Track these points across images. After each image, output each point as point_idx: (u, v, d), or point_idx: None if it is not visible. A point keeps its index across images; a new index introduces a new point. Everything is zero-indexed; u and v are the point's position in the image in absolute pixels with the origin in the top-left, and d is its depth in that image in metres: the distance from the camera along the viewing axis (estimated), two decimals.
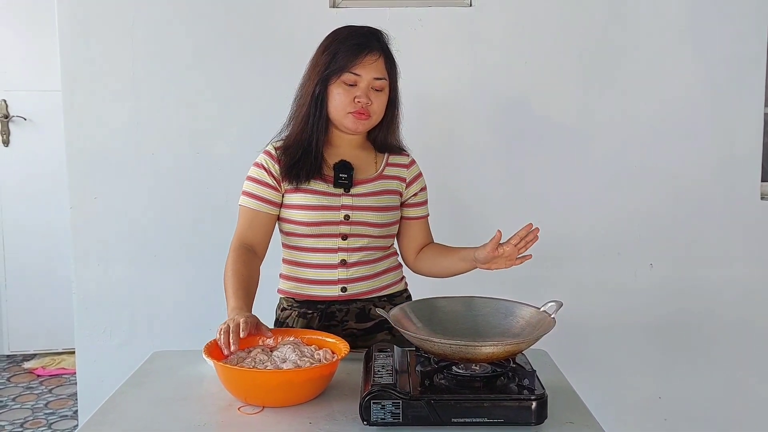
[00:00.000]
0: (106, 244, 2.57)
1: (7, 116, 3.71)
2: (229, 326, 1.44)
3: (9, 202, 3.76)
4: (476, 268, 1.69)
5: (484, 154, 2.59)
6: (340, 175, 1.70)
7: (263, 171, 1.72)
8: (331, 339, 1.52)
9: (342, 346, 1.47)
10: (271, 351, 1.46)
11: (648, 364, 2.69)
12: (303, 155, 1.69)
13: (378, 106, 1.69)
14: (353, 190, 1.71)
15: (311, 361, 1.41)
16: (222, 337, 1.43)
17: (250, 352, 1.46)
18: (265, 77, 2.50)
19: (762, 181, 2.62)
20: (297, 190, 1.70)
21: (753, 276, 2.65)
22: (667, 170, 2.60)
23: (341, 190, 1.70)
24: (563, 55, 2.55)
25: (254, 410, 1.34)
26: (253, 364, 1.40)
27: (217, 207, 2.52)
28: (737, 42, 2.55)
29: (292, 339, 1.52)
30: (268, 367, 1.38)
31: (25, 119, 3.74)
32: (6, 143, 3.73)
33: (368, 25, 1.73)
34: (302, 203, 1.70)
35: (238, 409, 1.35)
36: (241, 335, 1.43)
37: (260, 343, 1.51)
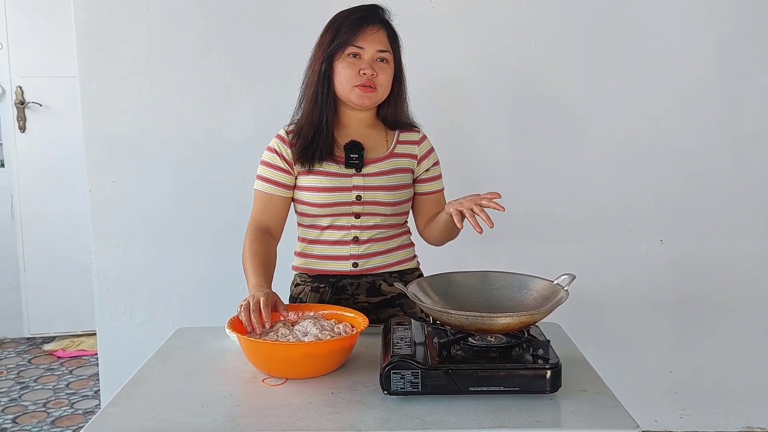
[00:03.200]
0: (125, 226, 2.61)
1: (23, 102, 3.74)
2: (249, 303, 1.48)
3: (26, 187, 3.80)
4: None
5: (495, 133, 2.62)
6: (351, 155, 1.72)
7: (275, 155, 1.75)
8: (350, 313, 1.56)
9: (361, 320, 1.51)
10: (293, 325, 1.51)
11: (658, 338, 2.73)
12: (315, 136, 1.72)
13: (384, 78, 1.71)
14: (364, 170, 1.74)
15: (331, 334, 1.46)
16: (243, 312, 1.47)
17: (273, 326, 1.50)
18: (279, 59, 2.52)
19: None
20: (309, 172, 1.73)
21: (762, 251, 2.67)
22: (677, 146, 2.62)
23: (353, 171, 1.73)
24: (573, 33, 2.57)
25: (278, 382, 1.39)
26: (275, 337, 1.45)
27: (233, 188, 2.55)
28: (747, 17, 2.56)
29: (312, 314, 1.57)
30: (291, 341, 1.43)
31: (40, 105, 3.77)
32: (22, 129, 3.77)
33: (379, 5, 1.75)
34: (314, 185, 1.73)
35: (262, 381, 1.40)
36: (266, 326, 1.46)
37: (281, 319, 1.55)
